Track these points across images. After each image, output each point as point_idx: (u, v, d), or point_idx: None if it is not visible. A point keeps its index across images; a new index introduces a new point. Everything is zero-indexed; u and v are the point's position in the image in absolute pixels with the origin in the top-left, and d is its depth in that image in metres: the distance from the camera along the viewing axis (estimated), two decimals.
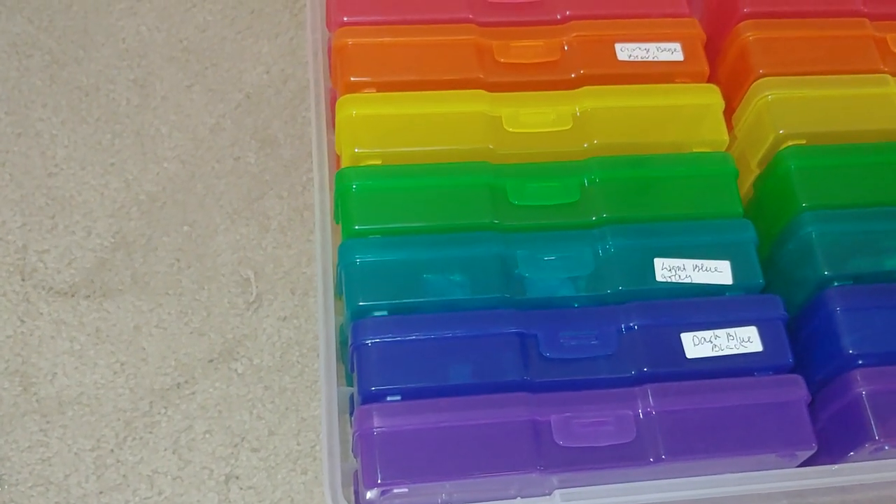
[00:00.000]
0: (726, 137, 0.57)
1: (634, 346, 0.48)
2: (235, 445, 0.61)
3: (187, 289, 0.66)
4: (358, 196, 0.52)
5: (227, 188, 0.70)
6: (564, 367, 0.48)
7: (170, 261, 0.67)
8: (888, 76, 0.59)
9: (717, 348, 0.49)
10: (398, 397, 0.47)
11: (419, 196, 0.53)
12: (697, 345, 0.49)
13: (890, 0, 0.62)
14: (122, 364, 0.63)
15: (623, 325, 0.49)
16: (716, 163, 0.55)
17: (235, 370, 0.64)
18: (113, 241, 0.68)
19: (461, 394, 0.47)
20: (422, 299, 0.50)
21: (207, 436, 0.61)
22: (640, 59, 0.58)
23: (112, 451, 0.61)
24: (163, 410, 0.62)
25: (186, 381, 0.63)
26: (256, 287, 0.66)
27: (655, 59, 0.58)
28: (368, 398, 0.47)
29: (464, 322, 0.48)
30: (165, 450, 0.61)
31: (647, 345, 0.48)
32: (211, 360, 0.64)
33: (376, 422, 0.45)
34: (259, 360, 0.64)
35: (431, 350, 0.47)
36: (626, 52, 0.58)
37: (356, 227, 0.51)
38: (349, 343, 0.48)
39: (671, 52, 0.59)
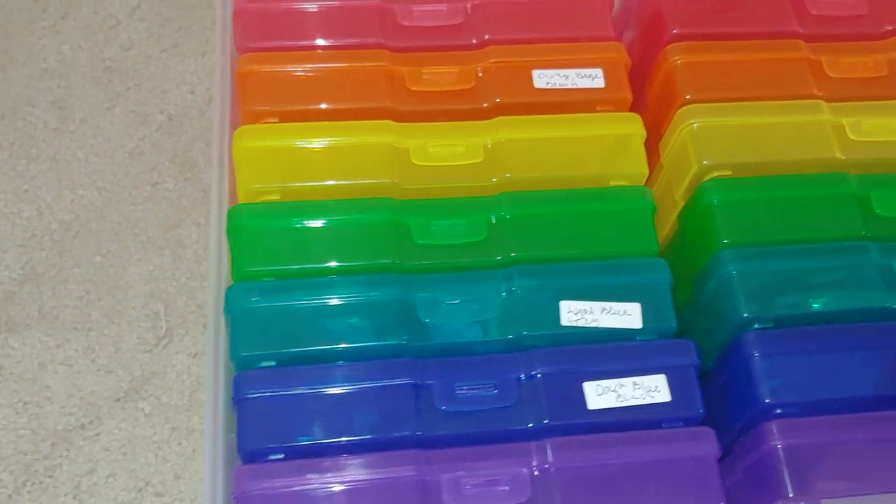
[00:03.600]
0: (646, 170, 0.54)
1: (535, 396, 0.45)
2: (139, 490, 0.59)
3: (96, 323, 0.63)
4: (250, 236, 0.49)
5: (143, 215, 0.67)
6: (460, 420, 0.45)
7: (79, 293, 0.64)
8: (822, 102, 0.56)
9: (621, 398, 0.46)
10: (281, 455, 0.44)
11: (316, 236, 0.50)
12: (601, 394, 0.46)
13: (828, 20, 0.59)
14: (24, 403, 0.61)
15: (524, 374, 0.46)
16: (632, 198, 0.52)
17: (142, 409, 0.61)
18: (22, 272, 0.65)
19: (350, 451, 0.44)
20: (314, 348, 0.47)
21: (110, 479, 0.59)
22: (558, 87, 0.55)
23: (10, 496, 0.58)
24: (65, 453, 0.59)
25: (91, 422, 0.60)
26: (167, 322, 0.63)
27: (575, 87, 0.55)
28: (249, 457, 0.44)
29: (353, 373, 0.45)
30: (66, 495, 0.58)
31: (548, 395, 0.45)
32: (117, 399, 0.61)
33: (254, 484, 0.42)
34: (167, 398, 0.61)
35: (318, 404, 0.44)
36: (545, 79, 0.55)
37: (247, 269, 0.48)
38: (232, 395, 0.45)
39: (592, 78, 0.56)
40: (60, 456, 0.59)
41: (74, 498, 0.58)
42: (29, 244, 0.66)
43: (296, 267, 0.49)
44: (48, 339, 0.63)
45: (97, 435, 0.60)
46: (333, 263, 0.49)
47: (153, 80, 0.73)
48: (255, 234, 0.49)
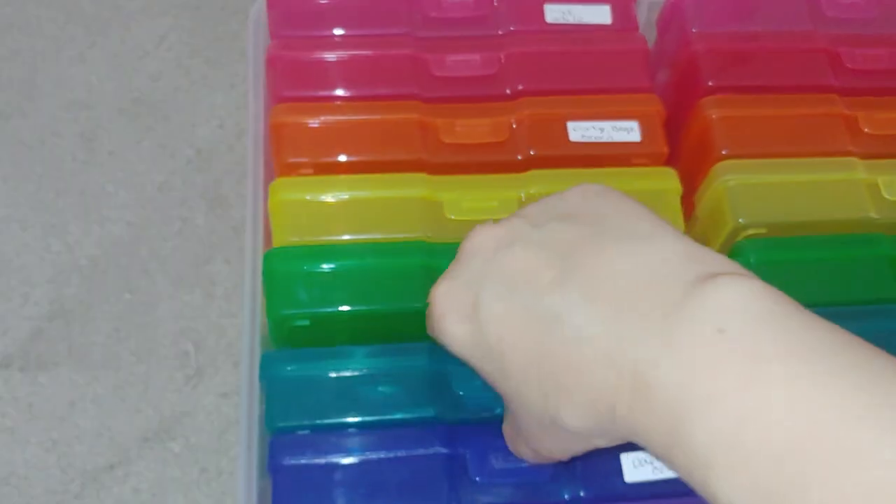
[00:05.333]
0: (682, 226, 0.54)
1: (571, 467, 0.46)
2: None
3: (125, 361, 0.63)
4: (285, 279, 0.49)
5: (173, 252, 0.68)
6: (494, 492, 0.45)
7: (108, 331, 0.64)
8: (856, 160, 0.56)
9: (657, 470, 0.46)
10: None
11: (352, 277, 0.50)
12: (637, 466, 0.46)
13: (863, 74, 0.59)
14: (54, 442, 0.61)
15: None
16: None
17: (171, 450, 0.61)
18: (51, 308, 0.65)
19: None
20: (348, 419, 0.47)
21: None
22: (594, 140, 0.55)
23: None
24: (94, 493, 0.60)
25: (120, 462, 0.61)
26: (196, 361, 0.64)
27: (610, 140, 0.55)
28: None
29: (387, 442, 0.45)
30: None
31: (584, 466, 0.45)
32: (146, 440, 0.61)
33: None
34: (196, 439, 0.62)
35: (353, 472, 0.45)
36: (579, 131, 0.55)
37: (282, 313, 0.49)
38: (267, 462, 0.45)
39: (628, 131, 0.56)
40: (90, 496, 0.60)
41: None
42: (57, 280, 0.66)
43: (331, 310, 0.49)
44: (77, 377, 0.63)
45: (126, 476, 0.60)
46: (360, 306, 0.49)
47: (182, 113, 0.73)
48: (291, 277, 0.49)
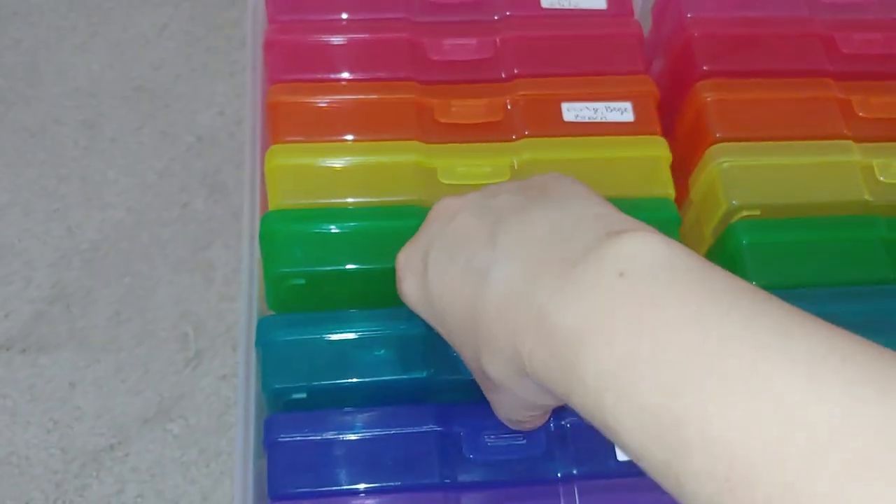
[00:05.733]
0: (672, 191, 0.54)
1: (564, 445, 0.46)
2: None
3: (125, 344, 0.64)
4: (282, 239, 0.50)
5: (173, 236, 0.68)
6: (488, 469, 0.45)
7: (109, 314, 0.65)
8: (851, 143, 0.56)
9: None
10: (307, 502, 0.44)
11: (346, 238, 0.50)
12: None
13: (858, 58, 0.59)
14: (55, 423, 0.62)
15: (552, 423, 0.46)
16: (657, 209, 0.52)
17: (171, 431, 0.62)
18: (52, 292, 0.66)
19: (377, 496, 0.44)
20: (344, 381, 0.47)
21: (139, 500, 0.60)
22: (587, 120, 0.56)
23: None
24: (94, 473, 0.60)
25: (120, 443, 0.61)
26: (196, 343, 0.64)
27: (604, 120, 0.56)
28: (279, 499, 0.45)
29: (381, 419, 0.46)
30: None
31: (576, 445, 0.46)
32: (146, 421, 0.62)
33: None
34: (196, 420, 0.62)
35: (348, 449, 0.45)
36: (573, 112, 0.56)
37: (279, 271, 0.49)
38: (262, 438, 0.46)
39: (621, 112, 0.56)
40: (90, 476, 0.60)
41: None
42: (59, 264, 0.67)
43: (327, 269, 0.49)
44: (78, 359, 0.64)
45: (126, 455, 0.61)
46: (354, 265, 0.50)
47: (182, 101, 0.74)
48: (287, 237, 0.50)
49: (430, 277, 0.37)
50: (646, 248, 0.29)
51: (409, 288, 0.39)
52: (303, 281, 0.49)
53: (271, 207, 0.53)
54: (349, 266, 0.50)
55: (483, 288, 0.33)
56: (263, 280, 0.51)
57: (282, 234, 0.50)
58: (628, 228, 0.31)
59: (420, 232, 0.40)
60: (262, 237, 0.51)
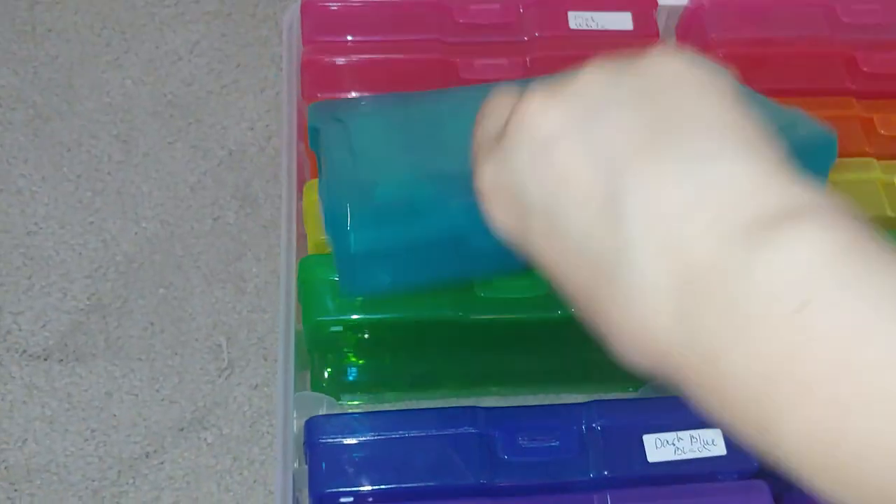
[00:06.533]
0: None
1: (596, 448, 0.47)
2: None
3: (160, 354, 0.66)
4: (320, 286, 0.51)
5: (205, 249, 0.70)
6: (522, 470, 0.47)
7: (144, 324, 0.67)
8: (873, 160, 0.57)
9: (679, 451, 0.47)
10: (350, 499, 0.46)
11: None
12: (660, 447, 0.47)
13: (879, 77, 0.61)
14: (92, 431, 0.63)
15: (585, 426, 0.48)
16: None
17: (205, 440, 0.63)
18: (88, 303, 0.67)
19: (415, 497, 0.46)
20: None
21: None
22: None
23: None
24: (131, 480, 0.62)
25: (155, 451, 0.63)
26: (228, 353, 0.66)
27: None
28: (320, 499, 0.46)
29: (418, 422, 0.47)
30: None
31: (607, 447, 0.47)
32: (181, 429, 0.63)
33: None
34: (229, 429, 0.63)
35: (386, 451, 0.46)
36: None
37: (317, 319, 0.51)
38: (303, 440, 0.47)
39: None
40: (127, 483, 0.61)
41: None
42: (95, 275, 0.68)
43: (365, 317, 0.51)
44: (114, 368, 0.65)
45: (161, 464, 0.62)
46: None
47: (214, 116, 0.75)
48: (326, 285, 0.51)
49: (530, 234, 0.31)
50: (819, 253, 0.25)
51: (501, 220, 0.32)
52: (340, 328, 0.51)
53: (309, 242, 0.55)
54: (385, 315, 0.51)
55: (614, 289, 0.27)
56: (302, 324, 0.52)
57: (319, 282, 0.51)
58: (792, 208, 0.26)
59: (505, 148, 0.31)
60: (300, 283, 0.52)
